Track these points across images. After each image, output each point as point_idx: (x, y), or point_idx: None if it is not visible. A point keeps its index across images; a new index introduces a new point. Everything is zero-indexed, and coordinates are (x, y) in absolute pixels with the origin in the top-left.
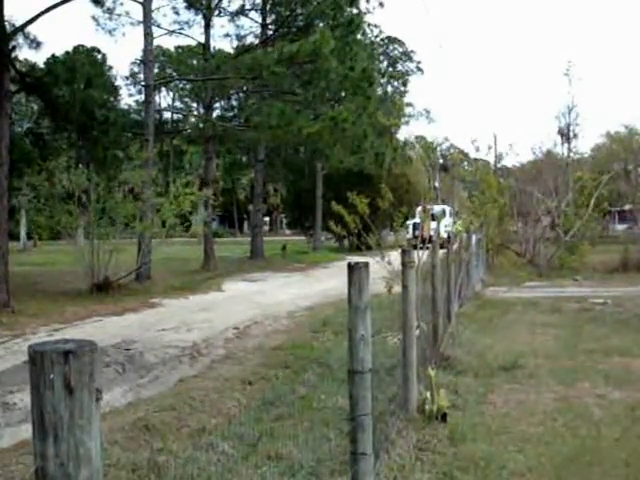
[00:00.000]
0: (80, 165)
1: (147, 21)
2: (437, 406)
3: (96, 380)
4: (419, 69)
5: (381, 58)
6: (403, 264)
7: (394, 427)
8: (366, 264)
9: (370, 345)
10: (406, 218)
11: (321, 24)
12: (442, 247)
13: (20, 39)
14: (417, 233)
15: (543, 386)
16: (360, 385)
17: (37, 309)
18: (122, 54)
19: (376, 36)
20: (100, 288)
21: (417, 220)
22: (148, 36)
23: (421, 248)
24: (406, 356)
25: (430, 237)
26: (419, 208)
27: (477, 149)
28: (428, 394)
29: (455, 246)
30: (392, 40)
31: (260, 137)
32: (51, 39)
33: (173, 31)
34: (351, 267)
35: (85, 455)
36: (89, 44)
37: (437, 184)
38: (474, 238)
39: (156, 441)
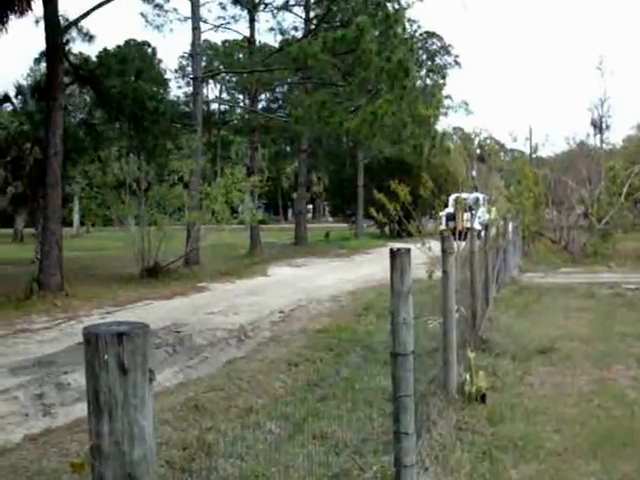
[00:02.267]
0: (131, 154)
1: (195, 16)
2: (476, 387)
3: (149, 361)
4: (457, 63)
5: (420, 52)
6: (443, 251)
7: (435, 408)
8: (408, 250)
9: (412, 328)
10: (445, 206)
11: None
12: (477, 237)
13: (74, 33)
14: (451, 224)
15: (578, 368)
16: (402, 367)
17: (90, 292)
18: (170, 48)
19: (415, 31)
20: (150, 273)
21: (450, 210)
22: (196, 30)
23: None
24: (446, 339)
25: (466, 230)
26: (452, 197)
27: (515, 139)
28: (467, 376)
29: (492, 232)
30: (430, 35)
31: (303, 129)
32: (102, 34)
33: (219, 25)
34: (393, 253)
35: (139, 433)
36: (138, 39)
37: (474, 173)
38: (511, 226)
39: (205, 420)
